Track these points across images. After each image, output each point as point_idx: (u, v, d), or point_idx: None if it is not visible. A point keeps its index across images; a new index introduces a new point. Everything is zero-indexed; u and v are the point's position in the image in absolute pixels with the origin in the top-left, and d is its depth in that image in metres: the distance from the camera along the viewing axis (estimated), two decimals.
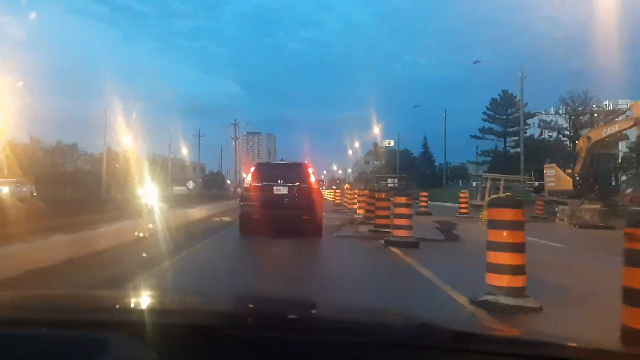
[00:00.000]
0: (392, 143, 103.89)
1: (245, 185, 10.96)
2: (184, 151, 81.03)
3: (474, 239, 9.64)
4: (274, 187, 10.25)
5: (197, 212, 15.72)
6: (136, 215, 10.95)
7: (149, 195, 18.17)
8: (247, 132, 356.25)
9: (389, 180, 76.31)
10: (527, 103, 52.75)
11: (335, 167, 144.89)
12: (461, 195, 18.16)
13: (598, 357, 1.07)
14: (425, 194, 18.00)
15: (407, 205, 8.38)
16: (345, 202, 23.57)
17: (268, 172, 10.85)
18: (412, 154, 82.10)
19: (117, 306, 1.49)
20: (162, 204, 13.53)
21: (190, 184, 53.04)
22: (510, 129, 55.36)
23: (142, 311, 1.38)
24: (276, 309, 1.46)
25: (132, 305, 1.52)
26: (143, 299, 1.75)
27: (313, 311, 1.51)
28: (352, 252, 8.76)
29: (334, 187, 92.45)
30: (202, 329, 1.13)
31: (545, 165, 20.41)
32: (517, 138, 52.97)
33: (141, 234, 9.01)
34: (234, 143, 41.29)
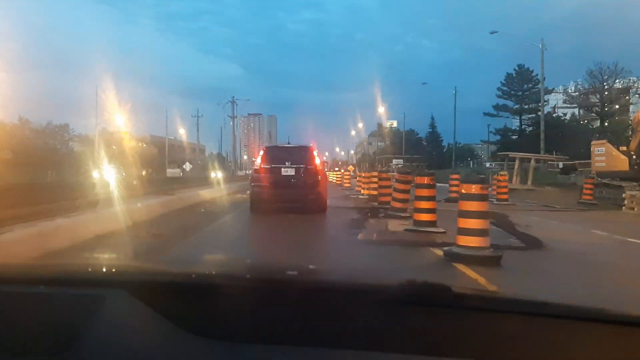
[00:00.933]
0: (395, 124, 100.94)
1: (255, 167, 11.37)
2: (182, 132, 77.61)
3: (563, 245, 6.68)
4: (282, 169, 10.76)
5: (163, 205, 11.39)
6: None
7: (110, 178, 15.04)
8: (248, 114, 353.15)
9: (394, 161, 73.48)
10: (544, 78, 49.42)
11: (337, 149, 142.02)
12: (500, 178, 15.14)
13: (595, 317, 1.07)
14: (456, 176, 14.91)
15: (481, 198, 5.33)
16: (359, 186, 20.65)
17: (276, 154, 11.31)
18: (417, 134, 78.85)
19: (114, 266, 1.53)
20: (121, 191, 10.49)
21: (187, 166, 50.07)
22: (527, 106, 52.02)
23: (139, 270, 1.41)
24: (276, 267, 1.53)
25: (129, 266, 1.60)
26: (140, 262, 1.96)
27: (314, 269, 1.61)
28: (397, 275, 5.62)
29: (337, 169, 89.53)
30: (198, 286, 1.14)
31: (593, 142, 17.44)
32: (533, 115, 49.72)
33: None
34: (231, 122, 38.22)
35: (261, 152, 11.53)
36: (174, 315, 1.03)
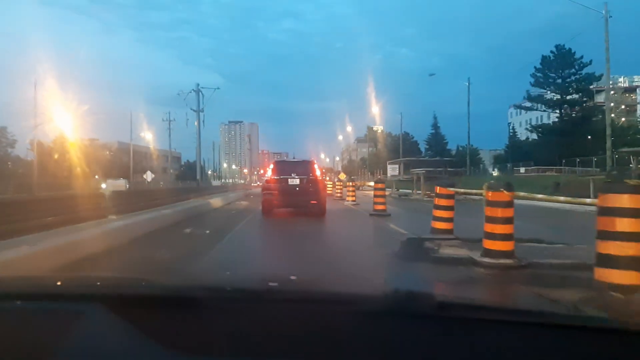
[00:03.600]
0: (380, 129, 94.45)
1: (267, 178, 13.41)
2: (149, 138, 69.06)
3: None
4: (289, 179, 12.73)
5: None
6: None
7: None
8: (229, 121, 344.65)
9: (390, 167, 65.88)
10: (591, 61, 41.86)
11: (323, 156, 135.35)
12: None
13: (589, 324, 1.04)
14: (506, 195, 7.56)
15: None
16: (349, 196, 19.00)
17: (284, 167, 13.45)
18: (412, 137, 71.73)
19: (92, 281, 1.46)
20: None
21: (149, 176, 41.74)
22: (569, 96, 43.46)
23: (117, 284, 1.35)
24: (257, 279, 1.50)
25: (108, 280, 1.51)
26: (120, 275, 1.80)
27: (295, 280, 1.49)
28: None
29: (327, 178, 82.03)
30: (176, 300, 1.11)
31: None
32: (578, 108, 42.17)
33: None
34: (196, 123, 30.26)
35: (271, 166, 13.61)
36: (152, 330, 1.01)
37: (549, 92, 45.36)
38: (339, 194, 24.40)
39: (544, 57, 43.66)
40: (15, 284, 1.40)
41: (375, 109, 56.98)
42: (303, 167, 13.27)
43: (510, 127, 61.99)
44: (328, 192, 31.50)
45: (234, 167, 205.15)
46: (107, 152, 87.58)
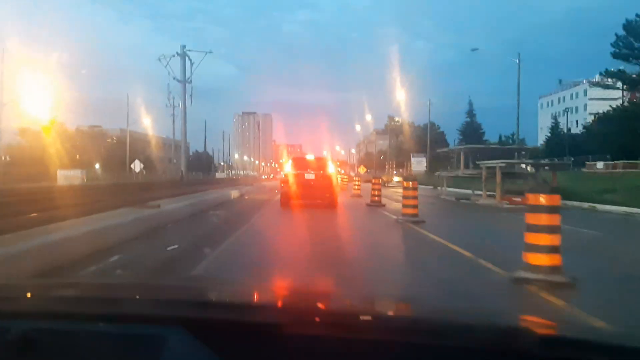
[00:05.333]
0: (401, 120, 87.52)
1: (285, 172, 14.61)
2: (151, 125, 63.17)
3: None
4: (305, 174, 13.76)
5: None
6: None
7: None
8: (243, 112, 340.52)
9: (415, 160, 58.84)
10: None
11: (338, 148, 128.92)
12: None
13: None
14: None
15: None
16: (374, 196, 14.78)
17: (300, 163, 14.55)
18: (438, 127, 64.64)
19: (173, 299, 1.40)
20: None
21: (137, 166, 35.67)
22: None
23: (200, 305, 1.29)
24: (345, 307, 1.42)
25: (188, 298, 1.43)
26: (200, 291, 1.62)
27: (387, 311, 1.43)
28: None
29: (342, 171, 74.97)
30: (263, 327, 1.07)
31: None
32: None
33: None
34: (181, 104, 22.63)
35: (290, 162, 14.89)
36: (234, 357, 0.98)
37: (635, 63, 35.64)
38: (357, 190, 18.31)
39: (628, 23, 34.86)
40: (91, 299, 1.35)
41: (398, 98, 50.19)
42: (318, 162, 14.39)
43: (552, 119, 54.46)
44: (345, 186, 27.64)
45: (245, 158, 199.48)
46: (108, 140, 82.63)
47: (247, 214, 11.46)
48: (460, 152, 17.63)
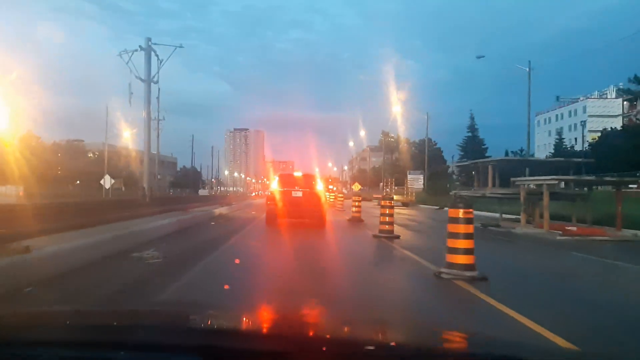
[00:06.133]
0: (396, 136, 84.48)
1: (271, 190, 14.01)
2: (131, 139, 59.27)
3: None
4: (292, 192, 13.24)
5: None
6: None
7: None
8: (235, 129, 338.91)
9: (411, 177, 55.38)
10: None
11: (330, 164, 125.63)
12: None
13: None
14: None
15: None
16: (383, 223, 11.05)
17: (288, 180, 13.97)
18: (435, 143, 61.46)
19: (188, 326, 1.47)
20: None
21: (107, 182, 31.80)
22: None
23: (214, 333, 1.36)
24: (349, 337, 1.45)
25: (204, 326, 1.51)
26: (215, 317, 1.69)
27: (391, 342, 1.43)
28: None
29: (332, 187, 70.88)
30: (272, 356, 1.09)
31: None
32: None
33: None
34: (144, 114, 18.27)
35: (276, 178, 14.09)
36: None
37: None
38: (356, 214, 14.82)
39: None
40: (99, 324, 1.37)
41: (394, 112, 46.95)
42: (305, 180, 13.92)
43: (556, 135, 51.41)
44: (340, 205, 26.21)
45: (235, 175, 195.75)
46: (90, 155, 78.59)
47: (196, 254, 7.76)
48: (487, 165, 13.97)
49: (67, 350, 1.12)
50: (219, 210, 18.93)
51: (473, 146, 48.67)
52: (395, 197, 36.16)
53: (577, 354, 1.90)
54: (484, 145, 49.34)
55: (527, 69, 31.67)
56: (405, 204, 34.98)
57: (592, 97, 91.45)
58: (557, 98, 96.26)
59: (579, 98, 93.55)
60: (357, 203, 15.71)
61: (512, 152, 42.15)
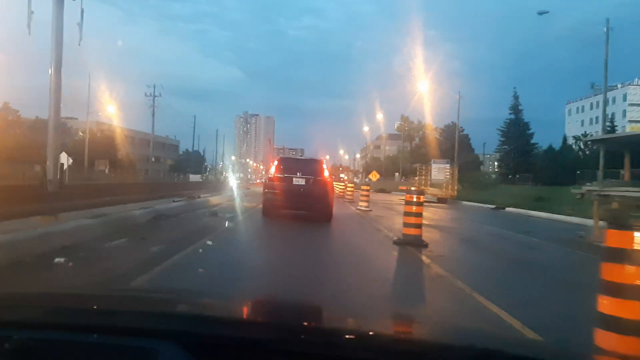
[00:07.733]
0: (415, 123, 77.83)
1: (269, 176, 12.00)
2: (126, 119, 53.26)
3: None
4: (294, 179, 11.47)
5: None
6: None
7: None
8: (244, 113, 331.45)
9: (435, 166, 48.13)
10: None
11: (342, 152, 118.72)
12: None
13: None
14: None
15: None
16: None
17: (289, 165, 12.04)
18: (462, 129, 54.29)
19: (167, 312, 1.41)
20: None
21: (64, 159, 25.37)
22: None
23: (193, 319, 1.30)
24: (329, 324, 1.44)
25: (182, 312, 1.46)
26: (194, 304, 1.63)
27: (370, 332, 1.39)
28: None
29: (343, 177, 63.60)
30: (254, 342, 1.10)
31: None
32: None
33: None
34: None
35: (275, 162, 12.22)
36: None
37: None
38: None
39: None
40: (73, 307, 1.33)
41: (419, 92, 39.94)
42: (310, 166, 12.15)
43: (607, 122, 44.08)
44: (348, 196, 23.88)
45: (243, 161, 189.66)
46: (81, 134, 72.80)
47: None
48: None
49: (39, 332, 1.09)
50: (179, 205, 12.56)
51: (516, 130, 40.95)
52: (430, 190, 28.74)
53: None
54: (529, 129, 41.67)
55: (605, 29, 24.50)
56: (441, 200, 27.64)
57: (633, 84, 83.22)
58: (592, 85, 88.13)
59: (616, 85, 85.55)
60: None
61: (576, 136, 34.86)
